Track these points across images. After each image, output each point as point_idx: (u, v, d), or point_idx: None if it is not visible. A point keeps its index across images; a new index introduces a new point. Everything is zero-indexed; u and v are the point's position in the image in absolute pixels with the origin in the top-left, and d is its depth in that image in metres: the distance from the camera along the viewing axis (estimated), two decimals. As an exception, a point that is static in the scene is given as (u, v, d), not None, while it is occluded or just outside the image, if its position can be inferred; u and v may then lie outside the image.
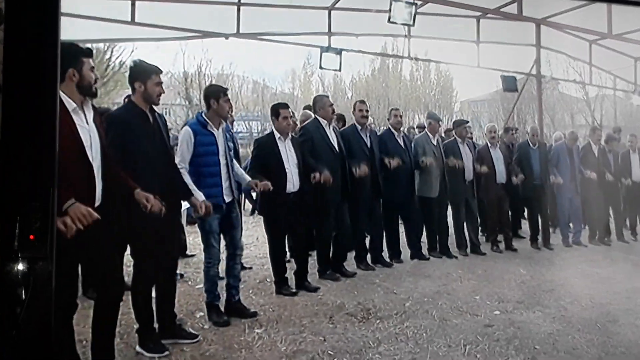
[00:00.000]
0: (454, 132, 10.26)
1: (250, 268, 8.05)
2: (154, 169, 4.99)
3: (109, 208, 4.36)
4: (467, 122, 10.67)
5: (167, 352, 5.21)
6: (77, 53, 4.27)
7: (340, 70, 13.55)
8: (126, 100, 5.64)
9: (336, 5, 13.10)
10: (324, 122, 7.82)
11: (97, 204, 4.24)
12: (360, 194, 8.12)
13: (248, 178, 6.53)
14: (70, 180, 3.82)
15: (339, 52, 13.09)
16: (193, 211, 5.78)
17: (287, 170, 7.02)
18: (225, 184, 6.11)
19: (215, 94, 6.14)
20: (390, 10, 10.73)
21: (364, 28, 14.03)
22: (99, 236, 4.21)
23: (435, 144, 9.46)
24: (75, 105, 4.20)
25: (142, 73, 5.09)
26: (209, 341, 5.51)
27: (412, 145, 9.35)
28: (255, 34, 12.61)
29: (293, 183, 7.09)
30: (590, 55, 16.64)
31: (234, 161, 6.49)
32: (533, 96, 17.38)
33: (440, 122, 10.00)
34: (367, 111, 8.50)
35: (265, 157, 7.04)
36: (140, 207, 4.57)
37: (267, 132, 7.66)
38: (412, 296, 7.17)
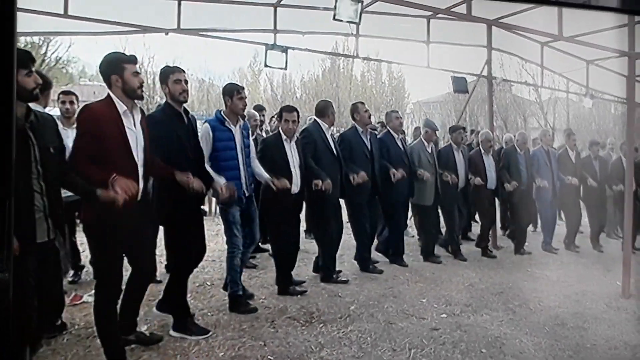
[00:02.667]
0: (450, 137, 10.49)
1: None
2: (189, 164, 5.45)
3: (149, 202, 4.98)
4: (463, 127, 10.96)
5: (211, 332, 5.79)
6: (119, 60, 4.77)
7: (286, 68, 13.50)
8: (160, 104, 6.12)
9: (282, 2, 13.04)
10: (325, 125, 7.96)
11: (138, 198, 4.68)
12: (359, 198, 8.38)
13: (267, 176, 6.85)
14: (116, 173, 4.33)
15: (284, 50, 13.02)
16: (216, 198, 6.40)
17: (292, 172, 7.24)
18: (243, 179, 6.53)
19: (230, 92, 6.56)
20: (335, 7, 10.70)
21: (311, 26, 14.00)
22: (138, 224, 4.76)
23: (430, 151, 9.63)
24: (125, 108, 4.69)
25: (164, 76, 5.57)
26: (142, 347, 5.38)
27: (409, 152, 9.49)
28: (198, 30, 12.46)
29: (297, 184, 7.30)
30: (542, 57, 16.84)
31: (254, 158, 6.91)
32: (485, 97, 17.52)
33: (436, 131, 10.13)
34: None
35: (272, 158, 7.23)
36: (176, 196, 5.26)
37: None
38: (358, 299, 7.17)
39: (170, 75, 5.65)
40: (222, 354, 5.34)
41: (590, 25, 13.63)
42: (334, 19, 10.80)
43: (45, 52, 24.75)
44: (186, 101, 5.67)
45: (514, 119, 33.32)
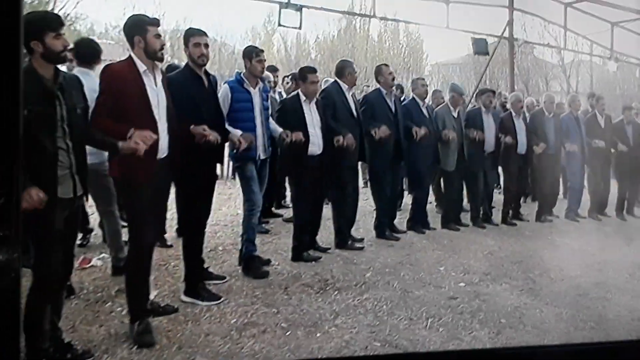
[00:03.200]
0: (479, 100, 10.41)
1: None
2: (206, 122, 5.50)
3: (172, 158, 5.05)
4: (492, 90, 10.82)
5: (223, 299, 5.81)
6: (142, 22, 4.93)
7: (300, 28, 13.45)
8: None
9: (298, -41, 12.91)
10: (345, 86, 7.98)
11: (162, 155, 4.91)
12: (381, 162, 8.43)
13: (280, 129, 6.97)
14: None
15: (299, 8, 12.94)
16: (233, 150, 6.48)
17: (310, 133, 7.24)
18: (260, 141, 6.65)
19: (249, 54, 6.68)
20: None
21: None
22: (159, 182, 4.99)
23: (455, 116, 9.57)
24: (145, 67, 4.84)
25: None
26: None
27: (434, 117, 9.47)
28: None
29: (318, 145, 7.33)
30: (565, 18, 16.65)
31: (269, 118, 7.02)
32: (506, 60, 17.37)
33: (463, 95, 10.12)
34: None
35: (288, 119, 7.26)
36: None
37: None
38: (373, 266, 7.13)
39: (190, 37, 5.80)
40: (234, 320, 5.31)
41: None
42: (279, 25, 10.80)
43: (53, 9, 24.67)
44: (205, 64, 5.79)
45: (536, 83, 33.06)
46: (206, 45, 5.75)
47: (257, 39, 39.08)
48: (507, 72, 15.60)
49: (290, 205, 9.18)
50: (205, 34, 5.84)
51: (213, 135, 5.44)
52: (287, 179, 8.43)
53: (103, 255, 6.80)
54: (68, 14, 25.97)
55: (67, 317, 5.03)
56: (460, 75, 37.73)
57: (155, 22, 5.01)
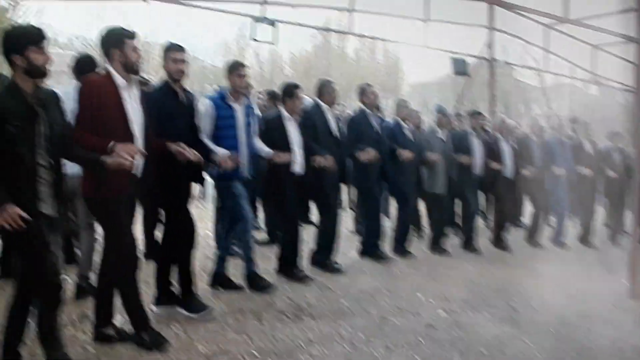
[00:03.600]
0: (468, 122, 10.65)
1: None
2: (181, 138, 5.55)
3: (147, 177, 5.11)
4: (481, 113, 11.08)
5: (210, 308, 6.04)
6: (120, 35, 5.00)
7: (274, 43, 13.47)
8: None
9: (271, -29, 12.94)
10: (324, 106, 8.12)
11: (137, 171, 4.93)
12: (367, 182, 8.64)
13: (268, 149, 7.15)
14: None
15: (273, 23, 12.95)
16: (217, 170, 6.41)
17: (293, 151, 7.43)
18: (243, 159, 6.66)
19: (232, 69, 6.83)
20: (329, -22, 10.73)
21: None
22: (133, 201, 5.19)
23: (443, 138, 9.76)
24: (124, 81, 4.94)
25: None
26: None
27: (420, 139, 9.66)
28: (178, -1, 12.36)
29: (300, 164, 7.53)
30: (545, 40, 16.82)
31: (255, 136, 7.14)
32: (485, 81, 17.49)
33: (449, 117, 10.32)
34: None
35: (273, 136, 7.42)
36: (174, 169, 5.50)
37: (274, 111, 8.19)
38: (350, 293, 7.12)
39: (169, 52, 5.87)
40: (202, 348, 5.24)
41: (595, 9, 13.61)
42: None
43: (12, 17, 24.54)
44: (181, 79, 5.83)
45: (516, 105, 33.38)
46: (183, 61, 5.78)
47: (229, 54, 39.14)
48: (488, 94, 15.65)
49: (261, 227, 9.19)
50: (183, 49, 5.88)
51: (194, 155, 5.44)
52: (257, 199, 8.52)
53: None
54: (29, 22, 25.86)
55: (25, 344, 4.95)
56: (439, 95, 37.99)
57: (133, 35, 5.06)
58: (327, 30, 32.80)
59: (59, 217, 4.43)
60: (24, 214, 4.00)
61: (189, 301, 6.05)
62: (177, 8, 12.69)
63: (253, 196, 7.91)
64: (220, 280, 7.00)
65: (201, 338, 5.45)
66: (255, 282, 6.96)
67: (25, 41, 4.14)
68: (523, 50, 25.43)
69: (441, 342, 5.64)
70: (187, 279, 6.11)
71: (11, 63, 4.13)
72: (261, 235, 9.62)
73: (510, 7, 14.19)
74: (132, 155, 4.57)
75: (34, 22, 23.76)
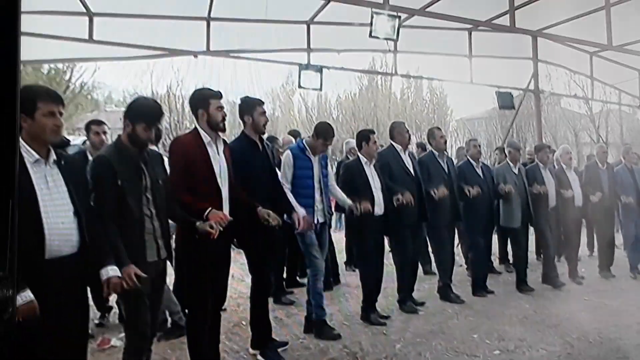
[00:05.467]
0: (535, 156, 10.66)
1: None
2: (264, 189, 6.10)
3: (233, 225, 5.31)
4: (549, 146, 11.06)
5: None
6: (206, 95, 5.43)
7: (321, 89, 13.55)
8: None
9: (315, 19, 13.02)
10: (399, 147, 8.42)
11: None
12: (439, 219, 8.74)
13: (349, 201, 7.46)
14: (204, 199, 5.13)
15: (319, 69, 13.04)
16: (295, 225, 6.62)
17: (374, 194, 7.71)
18: (318, 206, 7.05)
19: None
20: (371, 23, 10.69)
21: (347, 43, 14.01)
22: (224, 249, 5.53)
23: (516, 172, 9.81)
24: (210, 139, 5.36)
25: (248, 107, 6.18)
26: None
27: (494, 175, 9.78)
28: (228, 52, 12.52)
29: (380, 206, 7.76)
30: (591, 67, 16.66)
31: (336, 187, 7.58)
32: (532, 112, 17.40)
33: (520, 151, 10.30)
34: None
35: (353, 181, 7.78)
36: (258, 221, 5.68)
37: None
38: (404, 337, 7.04)
39: (257, 107, 6.23)
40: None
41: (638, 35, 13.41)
42: (370, 36, 10.83)
43: (70, 79, 25.13)
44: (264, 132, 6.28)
45: (564, 134, 32.99)
46: (264, 113, 6.16)
47: (277, 101, 39.43)
48: (535, 125, 15.51)
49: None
50: (263, 102, 6.25)
51: (275, 220, 5.73)
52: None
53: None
54: (85, 83, 26.41)
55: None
56: (486, 129, 37.78)
57: (218, 95, 5.44)
58: (372, 72, 32.84)
59: (159, 261, 4.71)
60: (141, 273, 4.21)
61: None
62: (227, 61, 12.83)
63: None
64: (321, 328, 7.12)
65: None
66: (323, 331, 7.02)
67: (136, 115, 4.59)
68: (569, 79, 25.27)
69: (499, 382, 5.55)
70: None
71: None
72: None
73: (553, 38, 14.09)
74: (221, 223, 4.92)
75: (90, 82, 24.29)
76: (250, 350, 6.31)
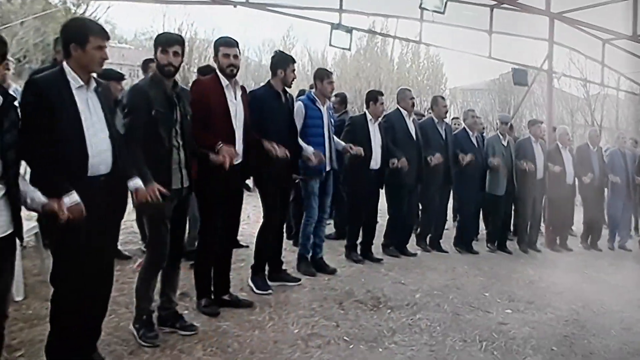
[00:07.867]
0: (528, 130, 11.16)
1: (247, 246, 8.20)
2: (281, 138, 6.29)
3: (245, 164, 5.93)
4: (542, 122, 11.42)
5: (270, 291, 6.63)
6: (216, 44, 5.91)
7: (350, 49, 13.79)
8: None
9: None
10: (404, 112, 9.04)
11: (237, 161, 5.69)
12: (433, 181, 9.41)
13: (343, 144, 7.91)
14: (218, 137, 5.45)
15: (349, 30, 13.19)
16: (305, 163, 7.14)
17: (373, 148, 8.30)
18: (327, 154, 7.44)
19: (320, 77, 7.62)
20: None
21: (375, 8, 14.26)
22: (235, 183, 5.90)
23: (505, 144, 10.26)
24: (227, 83, 5.79)
25: (282, 62, 6.70)
26: (219, 318, 5.68)
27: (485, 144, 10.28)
28: (264, 5, 12.65)
29: (376, 161, 8.38)
30: (603, 54, 16.84)
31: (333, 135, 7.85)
32: (529, 90, 17.67)
33: (507, 124, 10.75)
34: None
35: (356, 134, 8.27)
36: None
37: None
38: (422, 288, 7.37)
39: (290, 64, 6.76)
40: (297, 330, 5.55)
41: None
42: (420, 7, 11.24)
43: (83, 14, 25.15)
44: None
45: (560, 114, 33.15)
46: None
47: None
48: (546, 104, 15.66)
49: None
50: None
51: (281, 151, 6.09)
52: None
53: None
54: (98, 19, 26.56)
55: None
56: (481, 100, 38.06)
57: (226, 43, 5.86)
58: (405, 40, 32.04)
59: (182, 189, 5.13)
60: (163, 189, 4.59)
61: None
62: (235, 10, 12.83)
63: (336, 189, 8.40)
64: (300, 261, 7.71)
65: (293, 321, 5.78)
66: (302, 264, 7.62)
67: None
68: (569, 60, 25.34)
69: (514, 338, 5.89)
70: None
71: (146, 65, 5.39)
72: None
73: (570, 22, 14.22)
74: (232, 156, 5.39)
75: (101, 21, 24.42)
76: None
